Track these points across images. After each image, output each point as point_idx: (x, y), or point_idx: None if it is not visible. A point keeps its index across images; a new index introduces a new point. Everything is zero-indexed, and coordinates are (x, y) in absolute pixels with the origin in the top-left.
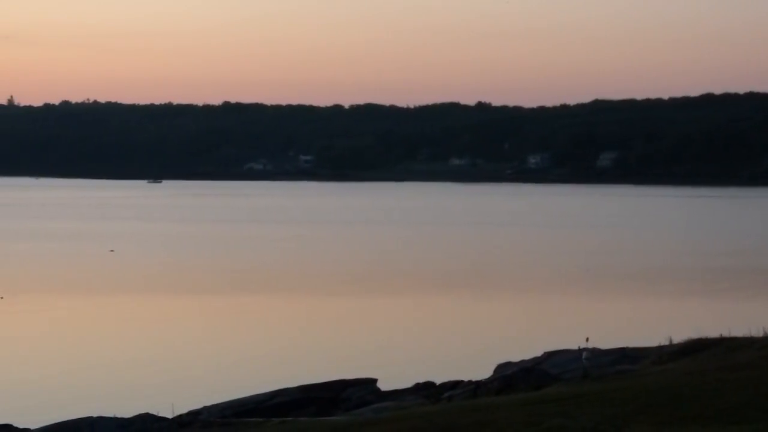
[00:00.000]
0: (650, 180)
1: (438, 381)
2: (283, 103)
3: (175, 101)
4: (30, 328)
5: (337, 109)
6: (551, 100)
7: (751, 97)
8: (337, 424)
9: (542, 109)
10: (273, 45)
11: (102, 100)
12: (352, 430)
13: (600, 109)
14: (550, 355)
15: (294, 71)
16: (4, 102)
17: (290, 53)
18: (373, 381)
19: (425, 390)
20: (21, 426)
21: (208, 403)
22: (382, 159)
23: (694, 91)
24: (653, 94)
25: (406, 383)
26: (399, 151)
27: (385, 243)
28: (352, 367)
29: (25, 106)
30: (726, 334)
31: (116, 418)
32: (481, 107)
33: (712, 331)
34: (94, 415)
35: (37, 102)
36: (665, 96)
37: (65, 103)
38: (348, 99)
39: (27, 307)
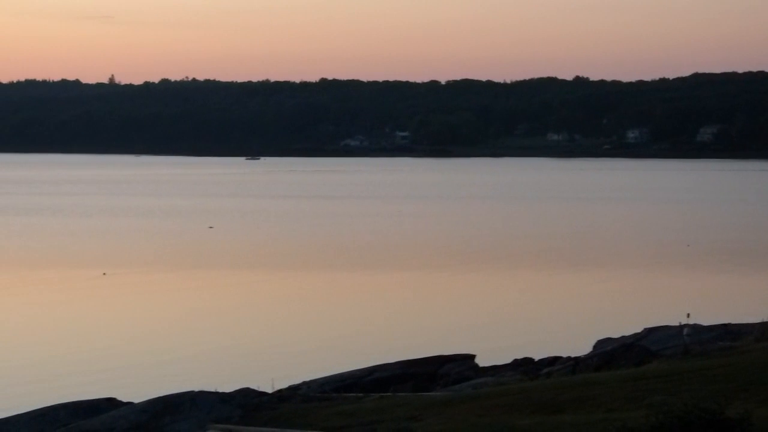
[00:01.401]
0: (752, 154)
1: (536, 357)
2: (380, 79)
3: (273, 78)
4: (131, 304)
5: (434, 84)
6: (650, 74)
7: None
8: (436, 399)
9: (641, 83)
10: (370, 21)
11: (201, 78)
12: (451, 406)
13: (700, 82)
14: (650, 332)
15: (391, 47)
16: (105, 81)
17: (387, 29)
18: (472, 357)
19: (523, 366)
20: (125, 400)
21: (308, 378)
22: (478, 135)
23: None
24: (755, 67)
25: (505, 359)
26: (496, 127)
27: (481, 219)
28: (451, 342)
29: (125, 85)
30: None
31: (217, 392)
32: (579, 82)
33: None
34: (196, 389)
35: (137, 81)
36: None
37: (165, 82)
38: (445, 74)
39: (128, 283)
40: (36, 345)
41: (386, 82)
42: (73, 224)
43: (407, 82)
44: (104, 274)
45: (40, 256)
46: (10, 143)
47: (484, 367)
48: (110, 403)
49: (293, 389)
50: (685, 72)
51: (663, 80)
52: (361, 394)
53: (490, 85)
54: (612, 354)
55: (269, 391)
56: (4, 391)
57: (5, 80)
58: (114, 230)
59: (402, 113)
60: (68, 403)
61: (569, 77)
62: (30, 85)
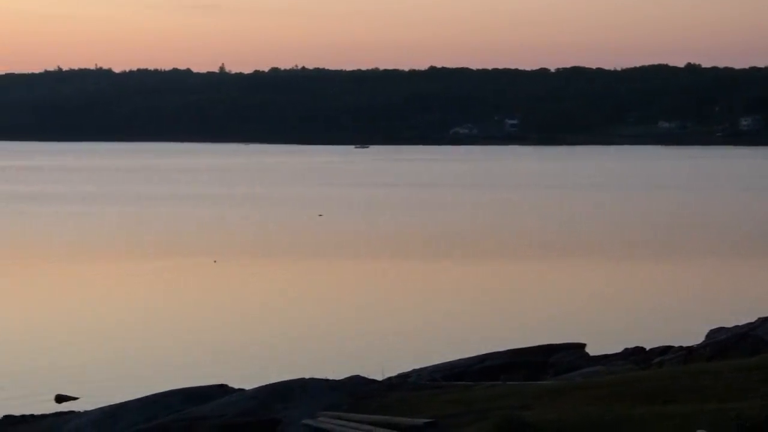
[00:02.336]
0: None
1: (648, 346)
2: (489, 67)
3: (382, 67)
4: (241, 292)
5: (543, 72)
6: (763, 60)
7: None
8: (546, 388)
9: (754, 70)
10: (479, 8)
11: (310, 66)
12: (562, 395)
13: None
14: (764, 321)
15: (499, 35)
16: (216, 70)
17: (496, 16)
18: (582, 346)
19: (634, 355)
20: (236, 386)
21: (417, 366)
22: (588, 122)
23: None
24: None
25: (615, 348)
26: (606, 115)
27: (589, 208)
28: (560, 331)
29: (235, 74)
30: None
31: (327, 380)
32: (691, 69)
33: None
34: (306, 376)
35: (247, 69)
36: None
37: (274, 70)
38: (554, 62)
39: (239, 271)
40: (149, 332)
41: (495, 70)
42: (185, 212)
43: (516, 69)
44: (215, 261)
45: (153, 244)
46: (122, 132)
47: (594, 356)
48: (221, 390)
49: (403, 377)
50: None
51: None
52: (471, 383)
53: (600, 72)
54: (725, 344)
55: (379, 378)
56: (119, 377)
57: (118, 70)
58: (225, 218)
59: (511, 101)
60: (180, 389)
61: (680, 64)
62: (142, 74)
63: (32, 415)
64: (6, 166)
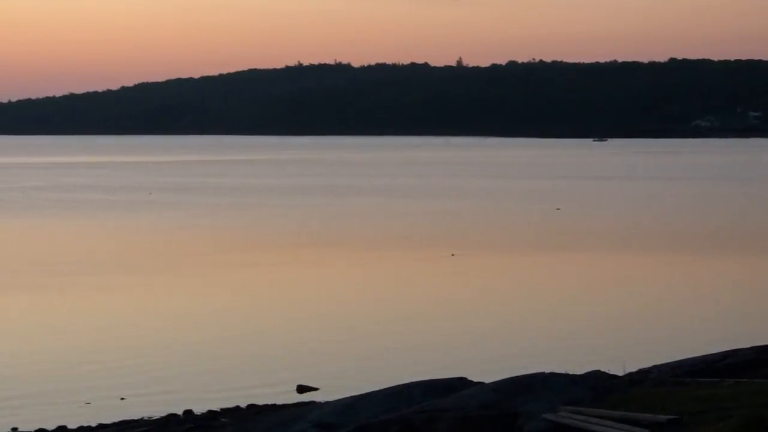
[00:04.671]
0: None
1: None
2: (731, 58)
3: (620, 59)
4: (478, 284)
5: None
6: None
7: None
8: None
9: None
10: None
11: (547, 59)
12: None
13: None
14: None
15: (742, 23)
16: (453, 63)
17: (737, 5)
18: None
19: None
20: (475, 380)
21: (658, 361)
22: None
23: None
24: None
25: None
26: None
27: None
28: None
29: (472, 67)
30: None
31: (568, 374)
32: None
33: None
34: (544, 370)
35: (485, 63)
36: None
37: (512, 63)
38: None
39: (476, 264)
40: (387, 323)
41: (738, 61)
42: (423, 205)
43: (759, 60)
44: (453, 255)
45: (394, 235)
46: (361, 126)
47: None
48: (462, 383)
49: (643, 373)
50: None
51: None
52: (716, 380)
53: None
54: None
55: (620, 374)
56: (359, 368)
57: (357, 64)
58: (463, 211)
59: (755, 93)
60: (422, 381)
61: None
62: (380, 68)
63: (275, 405)
64: (255, 160)
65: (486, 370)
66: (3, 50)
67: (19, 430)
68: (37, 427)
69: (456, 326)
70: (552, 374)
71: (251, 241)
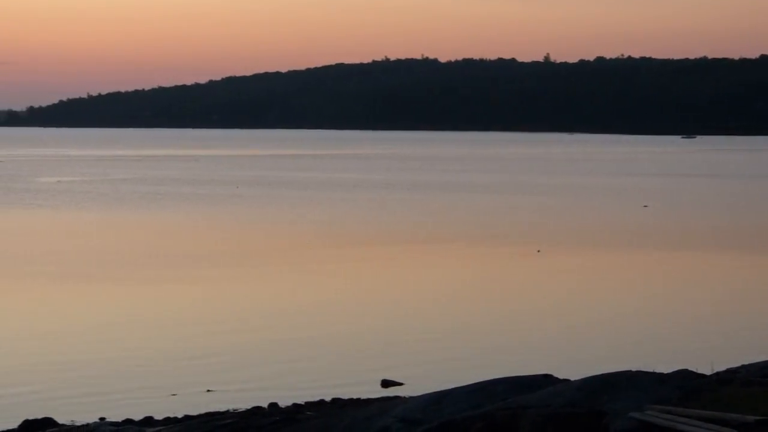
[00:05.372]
0: None
1: None
2: None
3: (710, 55)
4: (564, 281)
5: None
6: None
7: None
8: None
9: None
10: None
11: (636, 55)
12: None
13: None
14: None
15: None
16: (540, 59)
17: None
18: None
19: None
20: (560, 377)
21: (747, 361)
22: None
23: None
24: None
25: None
26: None
27: None
28: None
29: (560, 63)
30: None
31: (654, 373)
32: None
33: None
34: (629, 368)
35: (572, 59)
36: None
37: (599, 60)
38: None
39: (562, 261)
40: (472, 318)
41: None
42: (508, 201)
43: None
44: (538, 251)
45: (476, 231)
46: (446, 121)
47: None
48: (547, 380)
49: (732, 372)
50: None
51: None
52: None
53: None
54: None
55: (707, 373)
56: (443, 363)
57: (443, 60)
58: (549, 207)
59: None
60: (506, 378)
61: None
62: (468, 64)
63: (359, 399)
64: (341, 154)
65: (571, 368)
66: (94, 45)
67: (107, 419)
68: (124, 417)
69: (541, 323)
70: (638, 372)
71: (336, 237)
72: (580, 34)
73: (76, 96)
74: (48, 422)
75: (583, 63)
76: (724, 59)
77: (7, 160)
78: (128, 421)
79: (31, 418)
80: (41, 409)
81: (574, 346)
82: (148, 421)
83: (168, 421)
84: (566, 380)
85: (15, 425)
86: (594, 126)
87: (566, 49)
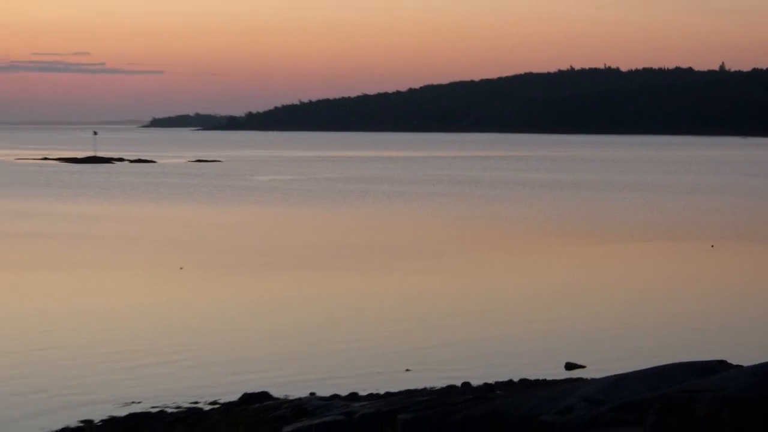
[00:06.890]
0: None
1: None
2: None
3: None
4: (739, 272)
5: None
6: None
7: None
8: None
9: None
10: None
11: None
12: None
13: None
14: None
15: None
16: (716, 68)
17: None
18: None
19: None
20: (734, 363)
21: None
22: None
23: None
24: None
25: None
26: None
27: None
28: None
29: (734, 72)
30: None
31: None
32: None
33: None
34: None
35: (746, 67)
36: None
37: None
38: None
39: (736, 254)
40: (654, 306)
41: None
42: (684, 200)
43: None
44: (712, 246)
45: (653, 227)
46: (629, 127)
47: None
48: (721, 365)
49: None
50: None
51: None
52: None
53: None
54: None
55: None
56: (623, 347)
57: (625, 69)
58: (723, 206)
59: None
60: (683, 362)
61: None
62: (647, 73)
63: (545, 380)
64: (530, 156)
65: (746, 354)
66: (303, 56)
67: (317, 394)
68: (332, 393)
69: (716, 310)
70: None
71: (518, 231)
72: (754, 43)
73: (289, 102)
74: (264, 396)
75: (756, 71)
76: None
77: (227, 160)
78: (335, 396)
79: (249, 392)
80: (259, 385)
81: (749, 333)
82: (354, 396)
83: (371, 396)
84: (740, 366)
85: (235, 398)
86: (766, 130)
87: (740, 58)
